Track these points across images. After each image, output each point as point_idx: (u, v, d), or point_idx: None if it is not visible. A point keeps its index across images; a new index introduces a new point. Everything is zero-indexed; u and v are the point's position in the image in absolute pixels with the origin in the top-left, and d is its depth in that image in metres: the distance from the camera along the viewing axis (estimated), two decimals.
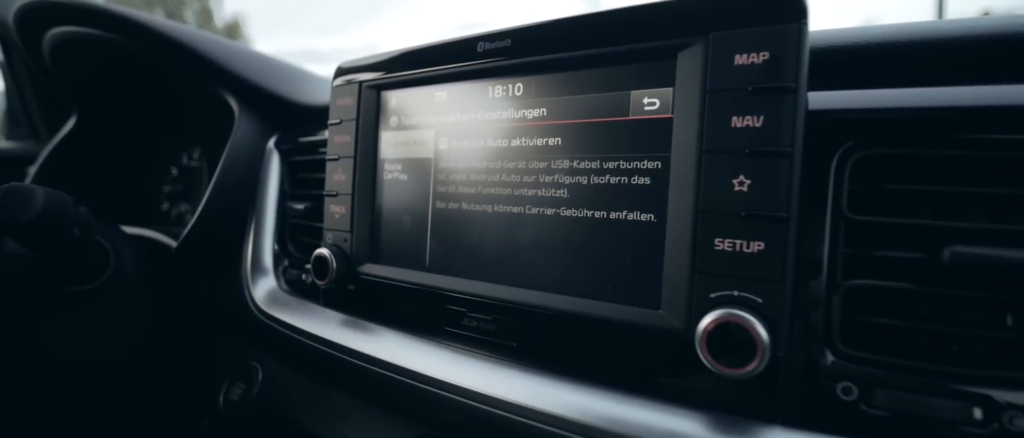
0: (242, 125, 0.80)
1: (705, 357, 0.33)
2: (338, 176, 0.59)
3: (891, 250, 0.35)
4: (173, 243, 0.82)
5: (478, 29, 0.49)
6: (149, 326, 0.81)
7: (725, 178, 0.34)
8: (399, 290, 0.54)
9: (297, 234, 0.74)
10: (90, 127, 1.04)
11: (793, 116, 0.33)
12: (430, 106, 0.53)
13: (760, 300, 0.33)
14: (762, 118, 0.33)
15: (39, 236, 0.61)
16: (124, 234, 0.83)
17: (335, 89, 0.61)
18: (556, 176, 0.44)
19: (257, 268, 0.73)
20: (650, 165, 0.39)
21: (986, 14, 0.39)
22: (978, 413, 0.30)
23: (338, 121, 0.60)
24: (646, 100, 0.39)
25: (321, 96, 0.76)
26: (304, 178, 0.75)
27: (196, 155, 1.10)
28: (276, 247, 0.75)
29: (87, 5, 0.81)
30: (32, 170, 1.02)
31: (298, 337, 0.60)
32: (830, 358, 0.34)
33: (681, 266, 0.36)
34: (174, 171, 1.13)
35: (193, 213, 0.78)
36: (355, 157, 0.57)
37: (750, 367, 0.32)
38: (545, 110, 0.45)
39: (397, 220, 0.55)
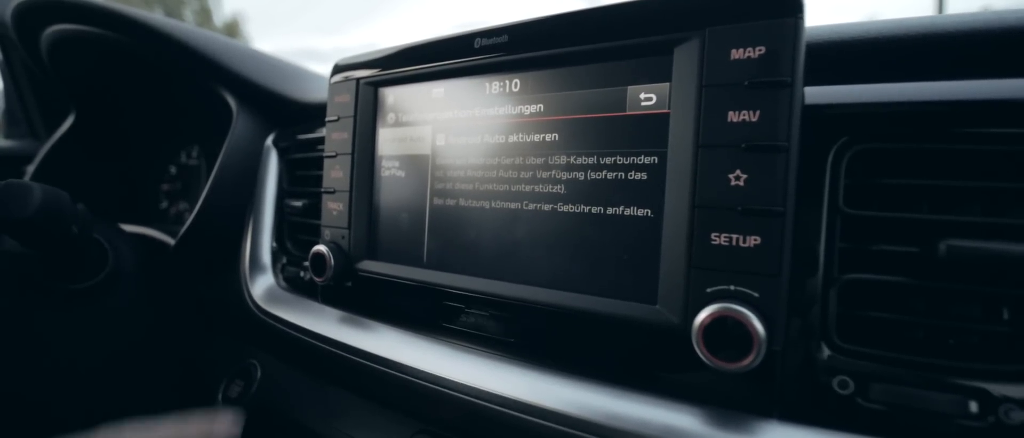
0: (240, 123, 0.80)
1: (702, 352, 0.33)
2: (336, 173, 0.59)
3: (887, 244, 0.35)
4: (171, 241, 0.82)
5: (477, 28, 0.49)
6: (147, 324, 0.81)
7: (721, 173, 0.34)
8: (397, 287, 0.54)
9: (295, 231, 0.74)
10: (88, 125, 1.04)
11: (789, 111, 0.33)
12: (427, 102, 0.53)
13: (756, 294, 0.33)
14: (758, 113, 0.33)
15: (37, 233, 0.61)
16: (122, 232, 0.83)
17: (332, 86, 0.61)
18: (553, 172, 0.44)
19: (255, 265, 0.73)
20: (647, 160, 0.39)
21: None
22: (974, 406, 0.30)
23: (335, 118, 0.60)
24: (643, 95, 0.39)
25: (319, 94, 0.76)
26: (302, 175, 0.75)
27: (194, 153, 1.10)
28: (274, 244, 0.75)
29: (85, 3, 0.81)
30: (30, 168, 1.02)
31: (296, 334, 0.60)
32: (826, 352, 0.34)
33: (677, 261, 0.36)
34: (172, 169, 1.13)
35: (191, 211, 0.78)
36: (353, 154, 0.57)
37: (747, 361, 0.32)
38: (542, 106, 0.45)
39: (395, 217, 0.55)
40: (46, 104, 1.22)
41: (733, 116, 0.34)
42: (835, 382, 0.34)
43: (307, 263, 0.58)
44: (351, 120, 0.58)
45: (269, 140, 0.81)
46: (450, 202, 0.50)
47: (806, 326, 0.35)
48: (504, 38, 0.46)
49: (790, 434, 0.32)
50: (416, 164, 0.53)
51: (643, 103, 0.39)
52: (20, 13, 0.86)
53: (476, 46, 0.48)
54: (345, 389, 0.61)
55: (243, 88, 0.82)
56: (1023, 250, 0.30)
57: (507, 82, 0.47)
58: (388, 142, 0.56)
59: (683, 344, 0.34)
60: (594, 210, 0.41)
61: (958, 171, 0.33)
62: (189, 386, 0.85)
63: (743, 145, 0.34)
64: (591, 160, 0.42)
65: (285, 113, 0.82)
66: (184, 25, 0.84)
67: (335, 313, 0.59)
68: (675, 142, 0.37)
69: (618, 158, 0.40)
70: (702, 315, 0.33)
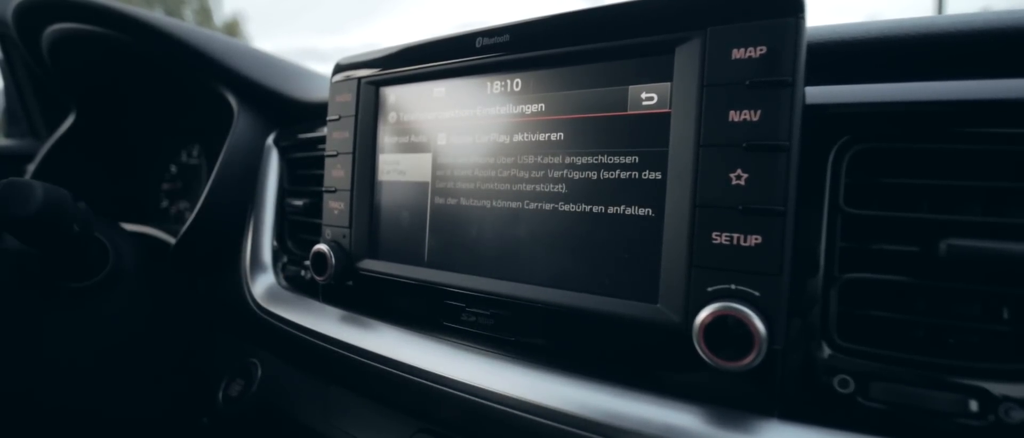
0: (241, 122, 0.80)
1: (702, 350, 0.33)
2: (337, 172, 0.59)
3: (888, 244, 0.35)
4: (172, 240, 0.82)
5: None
6: (148, 323, 0.81)
7: (722, 172, 0.35)
8: (398, 286, 0.54)
9: (296, 230, 0.75)
10: (89, 124, 1.04)
11: (790, 110, 0.33)
12: (429, 102, 0.53)
13: (757, 293, 0.33)
14: (759, 112, 0.33)
15: (38, 232, 0.61)
16: (123, 231, 0.84)
17: (334, 85, 0.61)
18: (554, 171, 0.44)
19: (256, 264, 0.73)
20: (648, 160, 0.39)
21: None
22: (974, 405, 0.30)
23: (337, 117, 0.60)
24: (644, 95, 0.39)
25: (320, 93, 0.76)
26: (303, 175, 0.75)
27: (195, 152, 1.10)
28: (275, 243, 0.75)
29: (86, 1, 0.81)
30: (31, 167, 1.02)
31: (297, 333, 0.61)
32: (827, 351, 0.34)
33: (679, 260, 0.36)
34: (173, 168, 1.13)
35: (192, 210, 0.78)
36: (354, 153, 0.57)
37: (747, 360, 0.32)
38: (544, 105, 0.45)
39: (396, 216, 0.55)
40: (47, 103, 1.22)
41: (734, 115, 0.34)
42: (836, 381, 0.34)
43: (308, 262, 0.58)
44: (352, 119, 0.58)
45: (270, 139, 0.81)
46: (451, 201, 0.50)
47: (807, 325, 0.35)
48: (505, 38, 0.46)
49: (791, 433, 0.32)
50: (417, 164, 0.53)
51: (644, 102, 0.39)
52: (21, 12, 0.86)
53: (478, 46, 0.48)
54: (346, 388, 0.61)
55: (244, 87, 0.82)
56: (1023, 249, 0.30)
57: (508, 81, 0.47)
58: (389, 141, 0.56)
59: (684, 343, 0.35)
60: (595, 209, 0.41)
61: (958, 171, 0.34)
62: (190, 385, 0.85)
63: (744, 144, 0.34)
64: (592, 159, 0.42)
65: (286, 112, 0.82)
66: (185, 24, 0.84)
67: (336, 312, 0.59)
68: (676, 141, 0.37)
69: (619, 157, 0.40)
70: (703, 314, 0.33)
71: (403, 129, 0.55)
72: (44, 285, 0.71)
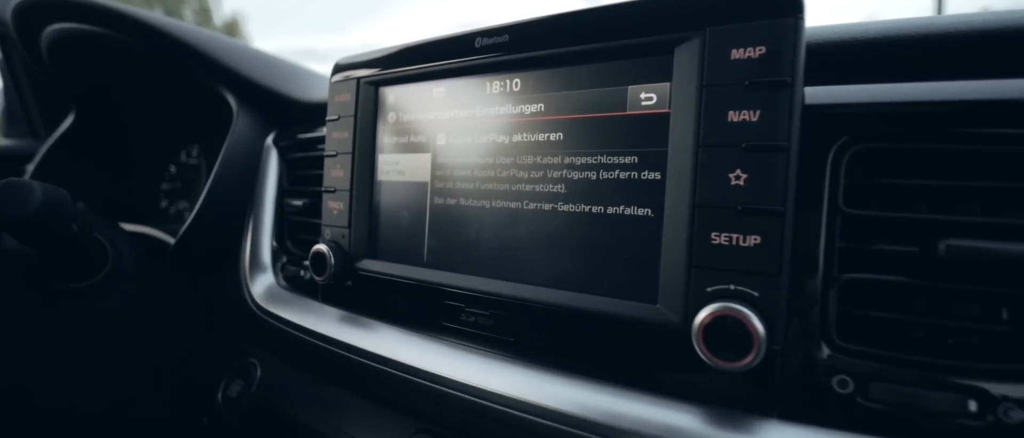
0: (240, 122, 0.80)
1: (702, 351, 0.33)
2: (336, 172, 0.59)
3: (887, 244, 0.35)
4: (171, 240, 0.82)
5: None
6: (147, 323, 0.81)
7: (722, 172, 0.34)
8: (397, 286, 0.54)
9: (295, 230, 0.74)
10: (88, 124, 1.04)
11: (789, 110, 0.33)
12: (428, 102, 0.53)
13: (756, 294, 0.33)
14: (758, 113, 0.33)
15: (37, 232, 0.61)
16: (122, 231, 0.83)
17: (333, 85, 0.61)
18: (553, 171, 0.44)
19: (255, 265, 0.73)
20: (647, 160, 0.39)
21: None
22: (973, 406, 0.30)
23: (336, 117, 0.60)
24: (643, 95, 0.39)
25: (319, 93, 0.76)
26: (302, 175, 0.75)
27: (194, 152, 1.10)
28: (274, 244, 0.75)
29: (85, 1, 0.81)
30: (30, 167, 1.02)
31: (296, 333, 0.61)
32: (826, 352, 0.34)
33: (678, 260, 0.36)
34: (173, 168, 1.13)
35: (191, 210, 0.78)
36: (353, 153, 0.57)
37: (746, 360, 0.32)
38: (543, 105, 0.45)
39: (395, 216, 0.55)
40: (46, 103, 1.22)
41: (733, 116, 0.34)
42: (835, 381, 0.34)
43: (307, 262, 0.58)
44: (352, 119, 0.58)
45: (269, 139, 0.81)
46: (451, 201, 0.50)
47: (806, 325, 0.35)
48: (505, 38, 0.46)
49: (790, 433, 0.32)
50: (416, 164, 0.53)
51: (644, 103, 0.39)
52: (20, 12, 0.86)
53: (477, 46, 0.48)
54: (345, 388, 0.61)
55: (243, 87, 0.82)
56: (1022, 250, 0.30)
57: (508, 82, 0.47)
58: (389, 141, 0.56)
59: (683, 343, 0.35)
60: (594, 209, 0.41)
61: (958, 171, 0.34)
62: (189, 385, 0.85)
63: (743, 145, 0.34)
64: (592, 159, 0.42)
65: (285, 112, 0.82)
66: (184, 24, 0.84)
67: (335, 312, 0.59)
68: (675, 142, 0.37)
69: (618, 157, 0.40)
70: (702, 314, 0.33)
71: (402, 129, 0.55)
72: (43, 285, 0.71)
